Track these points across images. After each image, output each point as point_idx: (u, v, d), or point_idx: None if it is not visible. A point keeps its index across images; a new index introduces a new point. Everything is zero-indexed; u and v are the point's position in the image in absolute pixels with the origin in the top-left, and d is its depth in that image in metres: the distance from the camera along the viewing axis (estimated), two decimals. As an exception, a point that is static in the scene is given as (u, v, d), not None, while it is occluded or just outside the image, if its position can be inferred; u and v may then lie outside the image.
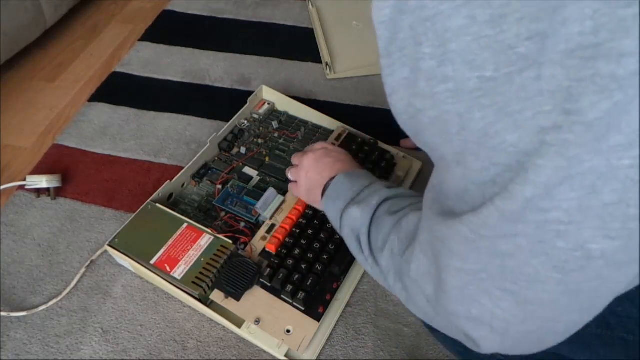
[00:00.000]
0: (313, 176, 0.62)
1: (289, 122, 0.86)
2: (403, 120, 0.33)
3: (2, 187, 0.77)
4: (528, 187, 0.26)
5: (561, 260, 0.27)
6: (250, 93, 0.87)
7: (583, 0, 0.22)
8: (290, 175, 0.68)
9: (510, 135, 0.26)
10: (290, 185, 0.69)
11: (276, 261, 0.63)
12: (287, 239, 0.66)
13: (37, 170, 0.81)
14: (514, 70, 0.24)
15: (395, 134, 0.85)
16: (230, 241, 0.65)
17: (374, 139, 0.81)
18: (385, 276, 0.46)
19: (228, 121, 0.82)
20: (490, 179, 0.28)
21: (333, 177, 0.58)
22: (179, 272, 0.62)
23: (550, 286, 0.29)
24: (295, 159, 0.68)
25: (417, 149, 0.84)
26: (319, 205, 0.61)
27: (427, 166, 0.82)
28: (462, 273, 0.32)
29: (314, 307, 0.61)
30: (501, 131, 0.26)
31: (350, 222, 0.51)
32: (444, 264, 0.34)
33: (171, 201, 0.74)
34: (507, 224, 0.28)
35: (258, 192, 0.73)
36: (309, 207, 0.70)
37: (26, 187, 0.77)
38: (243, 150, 0.81)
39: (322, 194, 0.58)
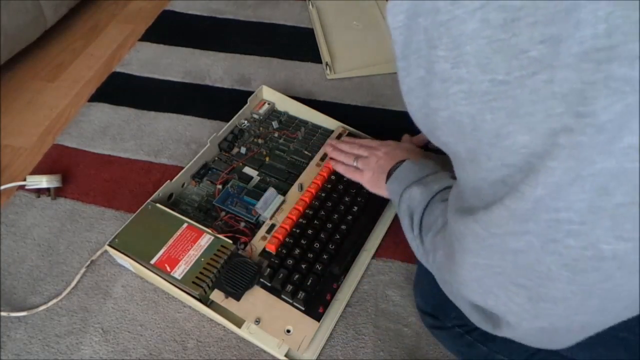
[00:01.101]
0: (384, 163, 0.65)
1: (289, 122, 0.86)
2: (418, 118, 0.33)
3: (2, 187, 0.77)
4: (539, 188, 0.26)
5: (573, 259, 0.27)
6: (250, 93, 0.87)
7: (596, 1, 0.22)
8: (359, 163, 0.69)
9: (522, 137, 0.26)
10: (352, 172, 0.70)
11: (276, 261, 0.63)
12: (287, 239, 0.66)
13: (37, 170, 0.81)
14: (525, 74, 0.24)
15: (395, 133, 0.85)
16: (230, 241, 0.65)
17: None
18: (427, 255, 0.49)
19: (228, 121, 0.82)
20: (501, 178, 0.28)
21: (401, 162, 0.61)
22: (179, 272, 0.62)
23: (562, 284, 0.29)
24: (364, 150, 0.70)
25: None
26: (382, 190, 0.64)
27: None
28: (477, 268, 0.34)
29: (314, 307, 0.61)
30: (513, 132, 0.26)
31: (408, 201, 0.54)
32: (458, 258, 0.35)
33: (171, 201, 0.74)
34: (516, 223, 0.28)
35: (258, 192, 0.73)
36: (309, 207, 0.70)
37: (26, 187, 0.77)
38: (243, 150, 0.81)
39: (387, 179, 0.61)
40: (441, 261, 0.42)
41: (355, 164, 0.70)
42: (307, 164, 0.77)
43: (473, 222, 0.32)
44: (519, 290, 0.31)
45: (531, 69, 0.24)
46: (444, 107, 0.29)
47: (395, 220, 0.74)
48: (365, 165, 0.68)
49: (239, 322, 0.60)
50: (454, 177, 0.54)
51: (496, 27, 0.25)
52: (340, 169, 0.72)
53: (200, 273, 0.61)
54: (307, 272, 0.63)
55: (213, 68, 1.01)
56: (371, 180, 0.67)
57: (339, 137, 0.80)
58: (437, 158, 0.62)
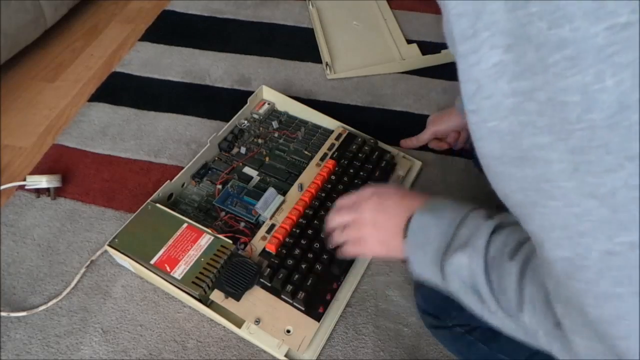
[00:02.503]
0: (383, 224, 0.51)
1: (289, 122, 0.86)
2: (492, 125, 0.25)
3: (2, 187, 0.77)
4: None
5: None
6: (250, 93, 0.87)
7: None
8: (347, 236, 0.56)
9: None
10: (349, 249, 0.56)
11: (276, 261, 0.63)
12: (287, 239, 0.66)
13: (37, 170, 0.81)
14: None
15: (395, 134, 0.86)
16: (230, 241, 0.65)
17: (374, 139, 0.81)
18: (533, 334, 0.37)
19: (228, 121, 0.82)
20: (621, 183, 0.21)
21: (410, 218, 0.48)
22: (179, 272, 0.62)
23: None
24: (344, 215, 0.56)
25: (418, 149, 0.84)
26: (399, 253, 0.50)
27: (427, 166, 0.82)
28: None
29: (314, 307, 0.61)
30: None
31: (458, 274, 0.42)
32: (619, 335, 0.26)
33: (171, 201, 0.74)
34: None
35: (258, 192, 0.73)
36: (309, 207, 0.70)
37: (26, 187, 0.77)
38: (243, 150, 0.81)
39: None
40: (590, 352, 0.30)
41: (345, 237, 0.56)
42: (307, 164, 0.77)
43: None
44: None
45: None
46: (541, 85, 0.22)
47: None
48: (357, 233, 0.55)
49: (239, 322, 0.60)
50: (486, 214, 0.44)
51: None
52: (345, 252, 0.57)
53: (200, 273, 0.61)
54: (307, 272, 0.63)
55: (213, 68, 1.01)
56: (379, 248, 0.53)
57: (338, 137, 0.80)
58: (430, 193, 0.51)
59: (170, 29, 1.11)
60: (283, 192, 0.72)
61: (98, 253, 0.70)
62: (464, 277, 0.42)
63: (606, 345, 0.27)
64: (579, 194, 0.23)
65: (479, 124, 0.26)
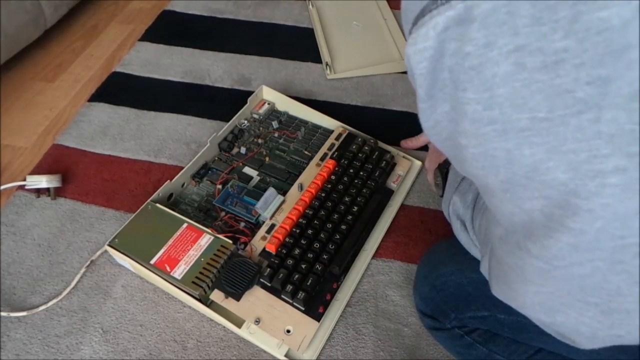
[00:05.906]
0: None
1: (289, 122, 0.86)
2: (443, 148, 0.33)
3: (2, 187, 0.77)
4: (598, 222, 0.25)
5: None
6: (250, 93, 0.87)
7: None
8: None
9: (563, 175, 0.25)
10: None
11: (276, 261, 0.63)
12: (287, 239, 0.66)
13: (37, 170, 0.81)
14: (569, 113, 0.24)
15: (395, 134, 0.86)
16: (230, 241, 0.65)
17: (374, 139, 0.81)
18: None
19: (228, 121, 0.82)
20: (539, 208, 0.28)
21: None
22: (179, 272, 0.62)
23: (633, 297, 0.28)
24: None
25: (418, 149, 0.84)
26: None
27: (427, 166, 0.82)
28: (540, 294, 0.32)
29: (314, 307, 0.61)
30: (552, 168, 0.25)
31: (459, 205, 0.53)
32: (517, 287, 0.34)
33: (171, 201, 0.74)
34: (581, 253, 0.27)
35: (258, 192, 0.73)
36: (309, 207, 0.70)
37: (26, 187, 0.77)
38: (243, 150, 0.81)
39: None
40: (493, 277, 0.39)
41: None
42: (307, 164, 0.77)
43: (531, 258, 0.30)
44: (589, 306, 0.30)
45: (576, 108, 0.23)
46: (475, 144, 0.29)
47: (395, 220, 0.74)
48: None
49: (239, 322, 0.60)
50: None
51: (533, 70, 0.24)
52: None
53: (200, 273, 0.61)
54: (307, 272, 0.63)
55: (213, 68, 1.01)
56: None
57: (338, 137, 0.80)
58: None
59: (170, 29, 1.11)
60: (283, 192, 0.72)
61: (98, 253, 0.70)
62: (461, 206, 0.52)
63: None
64: (511, 203, 0.30)
65: (437, 142, 0.34)
